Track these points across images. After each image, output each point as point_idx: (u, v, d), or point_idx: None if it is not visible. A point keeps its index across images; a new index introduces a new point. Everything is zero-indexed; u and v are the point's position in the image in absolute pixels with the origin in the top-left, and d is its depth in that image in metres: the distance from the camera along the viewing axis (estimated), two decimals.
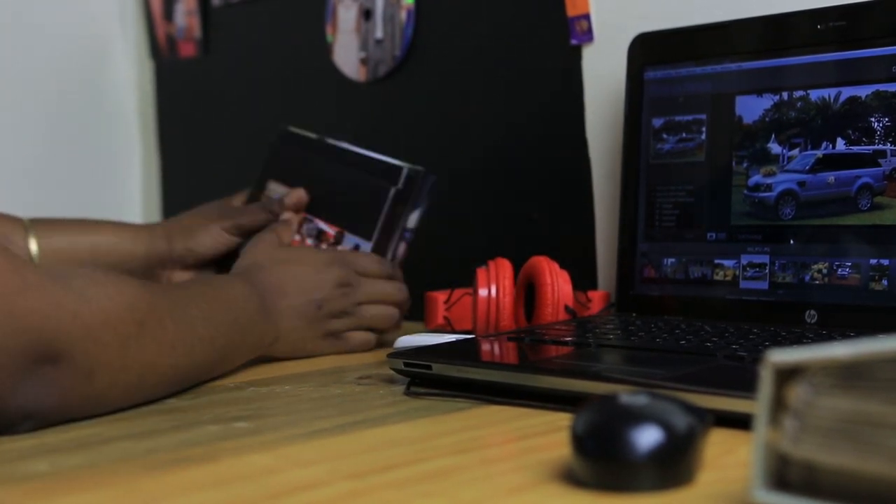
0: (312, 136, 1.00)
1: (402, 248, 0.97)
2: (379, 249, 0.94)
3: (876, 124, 0.82)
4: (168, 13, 1.50)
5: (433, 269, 1.19)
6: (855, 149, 0.83)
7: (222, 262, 0.97)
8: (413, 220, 0.95)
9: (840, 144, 0.84)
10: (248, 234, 0.97)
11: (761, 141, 0.88)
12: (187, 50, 1.49)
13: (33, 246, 0.92)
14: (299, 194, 0.98)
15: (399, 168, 0.92)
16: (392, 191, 0.90)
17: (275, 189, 0.98)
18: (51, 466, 0.54)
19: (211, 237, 0.98)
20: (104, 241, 0.96)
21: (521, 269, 0.96)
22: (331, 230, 0.94)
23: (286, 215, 0.96)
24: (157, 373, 0.67)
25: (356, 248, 0.94)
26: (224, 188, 1.46)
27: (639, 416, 0.47)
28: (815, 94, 0.86)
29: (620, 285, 0.96)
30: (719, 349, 0.71)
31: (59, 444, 0.58)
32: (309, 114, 1.35)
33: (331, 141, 0.99)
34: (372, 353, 0.92)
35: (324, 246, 0.95)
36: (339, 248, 0.94)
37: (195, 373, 0.73)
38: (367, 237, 0.93)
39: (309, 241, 0.96)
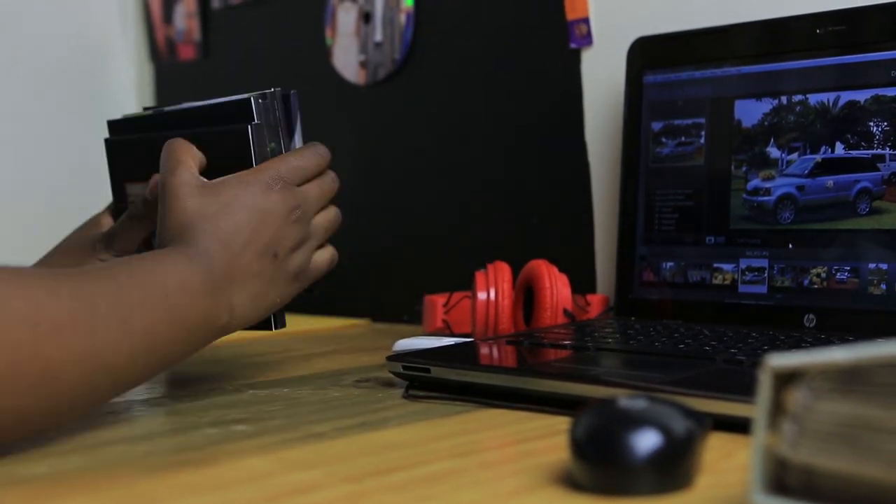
0: (140, 113, 0.85)
1: None
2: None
3: (875, 129, 0.82)
4: (168, 16, 1.51)
5: (432, 273, 1.19)
6: (854, 153, 0.83)
7: None
8: (298, 143, 0.80)
9: (839, 149, 0.84)
10: (129, 251, 0.82)
11: (760, 145, 0.88)
12: (187, 53, 1.49)
13: None
14: (156, 180, 0.79)
15: (245, 101, 0.76)
16: (249, 129, 0.75)
17: (136, 191, 0.81)
18: (49, 469, 0.54)
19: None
20: None
21: (520, 273, 0.96)
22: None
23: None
24: (56, 387, 0.55)
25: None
26: None
27: (637, 420, 0.47)
28: (814, 99, 0.86)
29: (619, 289, 0.96)
30: (718, 353, 0.71)
31: (57, 446, 0.58)
32: (308, 117, 1.35)
33: (163, 109, 0.83)
34: (371, 355, 0.91)
35: None
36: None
37: (116, 380, 0.60)
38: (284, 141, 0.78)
39: None
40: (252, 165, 0.74)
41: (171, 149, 0.73)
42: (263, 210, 0.70)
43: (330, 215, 0.77)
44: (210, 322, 0.67)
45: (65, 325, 0.55)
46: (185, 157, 0.72)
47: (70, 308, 0.56)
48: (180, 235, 0.69)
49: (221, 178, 0.71)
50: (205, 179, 0.71)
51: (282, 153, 0.76)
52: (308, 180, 0.75)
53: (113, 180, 0.85)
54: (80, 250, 0.83)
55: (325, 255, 0.77)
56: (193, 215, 0.69)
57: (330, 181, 0.78)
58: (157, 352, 0.62)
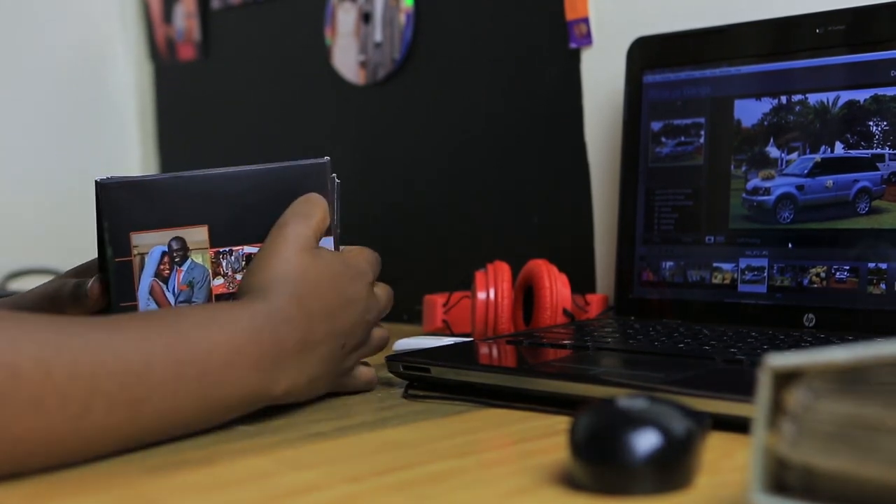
0: (137, 177, 0.71)
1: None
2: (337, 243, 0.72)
3: (874, 128, 0.82)
4: (167, 16, 1.50)
5: (431, 272, 1.19)
6: (853, 153, 0.83)
7: None
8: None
9: (839, 148, 0.84)
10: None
11: (760, 145, 0.88)
12: (187, 53, 1.49)
13: None
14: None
15: (321, 165, 0.71)
16: (326, 161, 0.71)
17: (147, 241, 0.68)
18: (49, 469, 0.54)
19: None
20: None
21: (520, 273, 0.96)
22: None
23: None
24: (48, 447, 0.51)
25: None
26: None
27: (637, 420, 0.47)
28: (813, 98, 0.86)
29: (619, 289, 0.96)
30: (718, 353, 0.71)
31: None
32: (308, 117, 1.35)
33: (179, 174, 0.70)
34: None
35: None
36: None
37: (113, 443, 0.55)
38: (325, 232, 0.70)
39: (238, 278, 0.69)
40: (333, 216, 0.69)
41: (310, 199, 0.69)
42: (350, 299, 0.67)
43: (385, 335, 0.74)
44: (259, 394, 0.61)
45: (49, 403, 0.50)
46: (316, 212, 0.68)
47: (62, 383, 0.51)
48: (265, 290, 0.63)
49: (330, 251, 0.68)
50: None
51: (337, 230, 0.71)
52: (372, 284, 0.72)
53: (112, 229, 0.68)
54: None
55: (367, 373, 0.73)
56: (289, 271, 0.64)
57: (387, 295, 0.74)
58: (172, 429, 0.58)
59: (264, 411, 0.67)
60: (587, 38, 1.06)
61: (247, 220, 0.69)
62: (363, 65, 1.27)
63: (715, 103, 0.91)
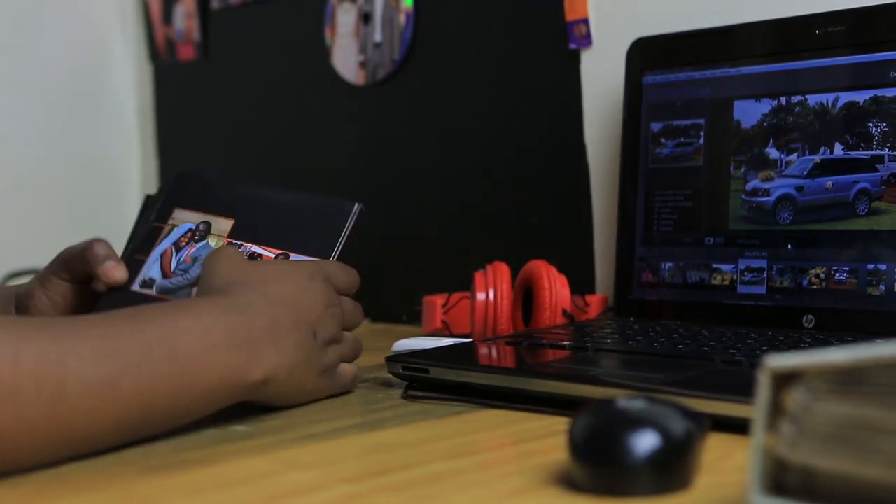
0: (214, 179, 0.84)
1: None
2: None
3: (874, 129, 0.82)
4: (167, 16, 1.50)
5: (431, 273, 1.19)
6: (853, 154, 0.83)
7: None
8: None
9: (838, 149, 0.84)
10: (79, 276, 0.77)
11: (759, 146, 0.88)
12: (186, 53, 1.49)
13: None
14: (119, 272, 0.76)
15: (343, 203, 0.79)
16: (357, 207, 0.78)
17: (183, 217, 0.79)
18: (51, 470, 0.54)
19: (42, 292, 0.77)
20: None
21: (519, 273, 0.96)
22: (269, 254, 0.77)
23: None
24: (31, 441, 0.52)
25: None
26: None
27: (636, 421, 0.47)
28: (813, 99, 0.86)
29: (618, 290, 0.96)
30: (717, 354, 0.71)
31: None
32: (308, 117, 1.35)
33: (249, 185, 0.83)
34: (370, 356, 0.91)
35: None
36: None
37: (107, 436, 0.56)
38: (324, 255, 0.76)
39: None
40: (335, 244, 0.77)
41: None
42: (307, 289, 0.69)
43: (358, 339, 0.75)
44: (236, 379, 0.62)
45: (22, 389, 0.51)
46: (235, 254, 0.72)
47: (33, 369, 0.52)
48: (224, 289, 0.66)
49: (270, 259, 0.74)
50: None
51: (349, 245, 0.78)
52: (342, 293, 0.74)
53: (166, 202, 0.80)
54: (50, 266, 0.78)
55: (350, 370, 0.74)
56: (240, 274, 0.67)
57: (358, 308, 0.75)
58: (154, 415, 0.58)
59: (263, 412, 0.67)
60: (587, 39, 1.06)
61: (266, 226, 0.77)
62: (363, 65, 1.27)
63: (714, 104, 0.91)
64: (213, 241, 0.77)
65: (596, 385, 0.64)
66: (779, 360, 0.42)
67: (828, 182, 0.84)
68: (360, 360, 0.89)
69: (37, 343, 0.53)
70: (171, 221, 0.79)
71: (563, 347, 0.77)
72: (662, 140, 0.94)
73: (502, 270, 0.95)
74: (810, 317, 0.83)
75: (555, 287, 0.92)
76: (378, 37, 1.25)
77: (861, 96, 0.83)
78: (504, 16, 1.14)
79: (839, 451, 0.40)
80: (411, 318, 1.15)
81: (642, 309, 0.93)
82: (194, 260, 0.76)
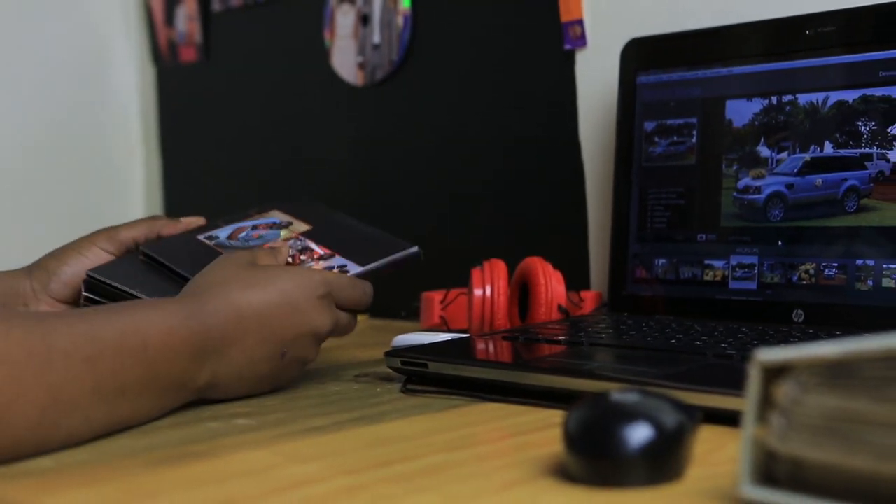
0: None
1: None
2: (364, 277, 0.79)
3: (863, 128, 0.82)
4: (169, 18, 1.50)
5: (429, 270, 1.19)
6: (842, 152, 0.83)
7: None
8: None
9: (827, 148, 0.84)
10: (128, 247, 0.82)
11: (751, 144, 0.88)
12: (188, 55, 1.49)
13: None
14: (199, 219, 0.84)
15: (415, 254, 0.84)
16: (415, 250, 0.82)
17: (276, 214, 0.86)
18: (55, 462, 0.54)
19: (80, 257, 0.80)
20: None
21: (516, 270, 0.96)
22: (319, 250, 0.80)
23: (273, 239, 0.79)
24: (7, 417, 0.52)
25: (342, 267, 0.79)
26: (225, 191, 1.47)
27: (630, 414, 0.47)
28: (803, 99, 0.86)
29: (612, 285, 0.96)
30: (709, 348, 0.71)
31: None
32: (308, 118, 1.35)
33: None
34: (370, 351, 0.92)
35: (308, 262, 0.79)
36: (322, 263, 0.79)
37: (84, 417, 0.57)
38: (359, 263, 0.79)
39: (291, 252, 0.80)
40: (375, 260, 0.80)
41: (263, 249, 0.76)
42: (295, 306, 0.68)
43: (353, 321, 0.76)
44: (186, 382, 0.63)
45: (13, 356, 0.52)
46: (259, 252, 0.74)
47: (22, 341, 0.53)
48: (199, 293, 0.66)
49: (277, 265, 0.73)
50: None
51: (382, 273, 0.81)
52: (345, 309, 0.74)
53: (267, 202, 0.89)
54: (91, 236, 0.82)
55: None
56: (230, 276, 0.68)
57: (351, 323, 0.76)
58: (127, 395, 0.59)
59: (265, 406, 0.67)
60: (581, 40, 1.06)
61: (332, 235, 0.82)
62: (361, 66, 1.27)
63: (707, 104, 0.91)
64: (283, 233, 0.82)
65: (590, 379, 0.64)
66: (769, 354, 0.42)
67: (817, 180, 0.85)
68: (360, 356, 0.90)
69: (23, 322, 0.55)
70: (263, 214, 0.86)
71: (558, 342, 0.77)
72: (656, 139, 0.94)
73: (499, 267, 0.95)
74: (800, 311, 0.84)
75: (550, 283, 0.92)
76: (376, 38, 1.25)
77: (850, 95, 0.83)
78: (500, 17, 1.14)
79: (828, 443, 0.40)
80: (410, 314, 1.15)
81: (636, 304, 0.94)
82: (260, 237, 0.82)
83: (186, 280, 0.72)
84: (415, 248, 0.82)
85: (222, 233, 0.83)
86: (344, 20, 1.29)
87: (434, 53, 1.21)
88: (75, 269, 0.79)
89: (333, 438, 0.59)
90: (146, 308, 0.63)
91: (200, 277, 0.69)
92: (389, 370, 0.75)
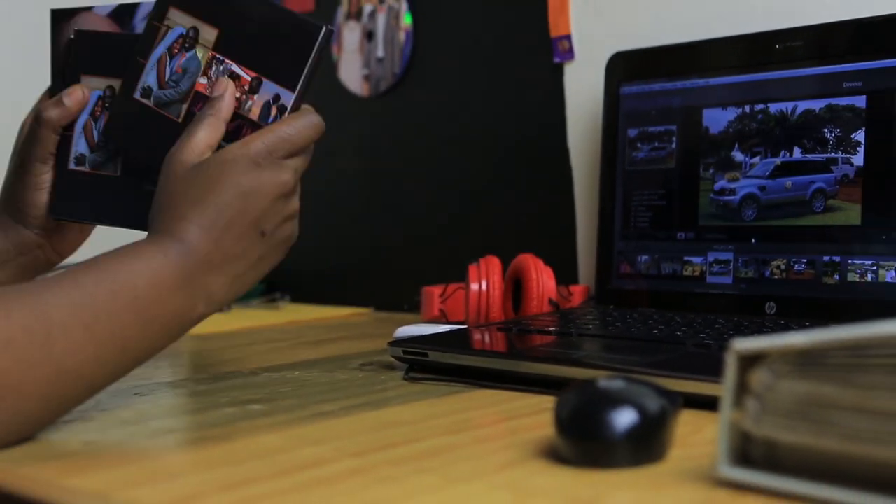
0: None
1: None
2: (299, 103, 0.70)
3: (828, 134, 0.82)
4: None
5: (429, 266, 1.19)
6: (810, 157, 0.83)
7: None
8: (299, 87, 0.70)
9: (796, 153, 0.84)
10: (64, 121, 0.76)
11: (726, 150, 0.88)
12: None
13: None
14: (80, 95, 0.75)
15: (317, 28, 0.69)
16: (324, 30, 0.68)
17: (177, 16, 0.73)
18: (82, 445, 0.53)
19: (36, 192, 0.75)
20: None
21: (509, 266, 0.96)
22: (246, 75, 0.70)
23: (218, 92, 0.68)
24: (19, 397, 0.52)
25: (276, 97, 0.69)
26: None
27: (616, 399, 0.46)
28: (774, 108, 0.85)
29: (599, 280, 0.95)
30: (688, 338, 0.71)
31: (89, 424, 0.58)
32: None
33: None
34: (374, 342, 0.91)
35: (247, 102, 0.69)
36: (256, 98, 0.69)
37: (89, 383, 0.56)
38: (289, 86, 0.69)
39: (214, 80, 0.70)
40: (307, 64, 0.68)
41: (202, 114, 0.66)
42: (249, 189, 0.63)
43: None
44: (184, 316, 0.60)
45: (16, 338, 0.52)
46: (200, 132, 0.65)
47: (22, 322, 0.52)
48: (164, 221, 0.62)
49: (210, 157, 0.64)
50: (208, 154, 0.64)
51: (318, 67, 0.69)
52: (297, 153, 0.66)
53: (69, 69, 0.76)
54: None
55: (287, 231, 0.67)
56: (179, 199, 0.62)
57: (306, 160, 0.68)
58: (128, 352, 0.57)
59: (278, 392, 0.67)
60: (570, 54, 1.06)
61: (244, 41, 0.69)
62: (366, 78, 1.27)
63: (685, 112, 0.91)
64: (200, 53, 0.71)
65: (579, 367, 0.64)
66: (744, 344, 0.42)
67: (787, 182, 0.84)
68: (365, 346, 0.89)
69: (21, 301, 0.54)
70: (166, 22, 0.72)
71: (549, 333, 0.77)
72: (638, 145, 0.94)
73: (494, 263, 0.94)
74: (772, 304, 0.83)
75: (542, 278, 0.92)
76: (380, 52, 1.25)
77: (817, 105, 0.83)
78: (494, 33, 1.14)
79: (799, 426, 0.40)
80: (411, 307, 1.15)
81: (621, 298, 0.93)
82: (184, 71, 0.72)
83: (149, 168, 0.68)
84: (323, 27, 0.68)
85: (150, 77, 0.72)
86: (350, 36, 1.28)
87: (434, 66, 1.21)
88: (42, 207, 0.75)
89: (341, 423, 0.58)
90: (129, 259, 0.59)
91: (158, 199, 0.64)
92: (393, 359, 0.75)
